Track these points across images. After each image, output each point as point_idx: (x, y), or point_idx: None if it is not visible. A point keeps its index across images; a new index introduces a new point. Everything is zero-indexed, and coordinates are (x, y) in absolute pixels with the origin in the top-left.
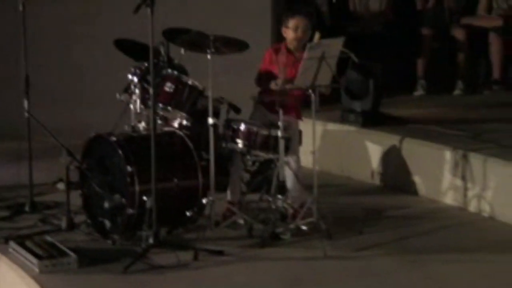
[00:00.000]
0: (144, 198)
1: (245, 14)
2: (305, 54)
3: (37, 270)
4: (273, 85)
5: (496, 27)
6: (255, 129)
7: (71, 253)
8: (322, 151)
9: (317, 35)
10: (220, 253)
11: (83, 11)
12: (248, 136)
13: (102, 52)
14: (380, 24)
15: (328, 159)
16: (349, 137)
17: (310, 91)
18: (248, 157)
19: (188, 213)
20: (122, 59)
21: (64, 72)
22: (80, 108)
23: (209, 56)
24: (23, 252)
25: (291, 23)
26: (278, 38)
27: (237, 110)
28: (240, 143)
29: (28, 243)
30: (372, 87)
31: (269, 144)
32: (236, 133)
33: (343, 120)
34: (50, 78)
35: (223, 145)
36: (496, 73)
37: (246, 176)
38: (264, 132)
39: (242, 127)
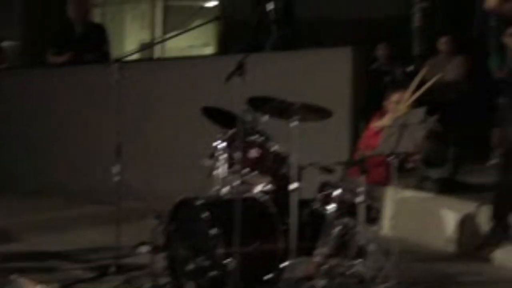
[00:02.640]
0: (227, 260)
1: (324, 82)
2: (388, 123)
3: None
4: None
5: None
6: (348, 195)
7: None
8: (398, 218)
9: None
10: None
11: (168, 81)
12: (341, 202)
13: (188, 120)
14: (456, 93)
15: (405, 226)
16: (426, 204)
17: (391, 157)
18: (336, 221)
19: (267, 276)
20: (208, 126)
21: (148, 140)
22: (166, 174)
23: (293, 123)
24: None
25: (394, 97)
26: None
27: (329, 171)
28: (331, 207)
29: None
30: (451, 155)
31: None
32: (328, 197)
33: (419, 187)
34: (135, 146)
35: (314, 207)
36: None
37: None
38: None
39: (335, 192)
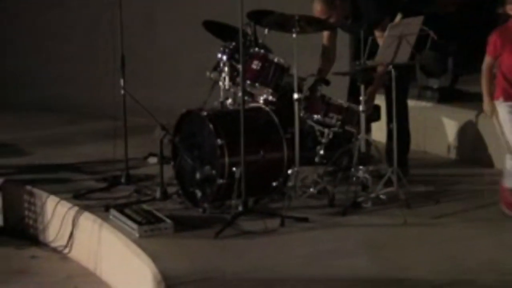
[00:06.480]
0: (233, 169)
1: None
2: (386, 32)
3: (136, 234)
4: None
5: None
6: (345, 104)
7: (167, 220)
8: None
9: (398, 16)
10: (305, 220)
11: None
12: (339, 111)
13: (189, 33)
14: (455, 4)
15: None
16: (426, 113)
17: (390, 67)
18: (322, 128)
19: (274, 183)
20: (210, 39)
21: (153, 54)
22: (168, 88)
23: (294, 35)
24: (123, 218)
25: None
26: None
27: (327, 83)
28: (334, 117)
29: (127, 211)
30: (450, 64)
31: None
32: (329, 107)
33: (419, 96)
34: (139, 60)
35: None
36: None
37: (319, 149)
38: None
39: (334, 101)
